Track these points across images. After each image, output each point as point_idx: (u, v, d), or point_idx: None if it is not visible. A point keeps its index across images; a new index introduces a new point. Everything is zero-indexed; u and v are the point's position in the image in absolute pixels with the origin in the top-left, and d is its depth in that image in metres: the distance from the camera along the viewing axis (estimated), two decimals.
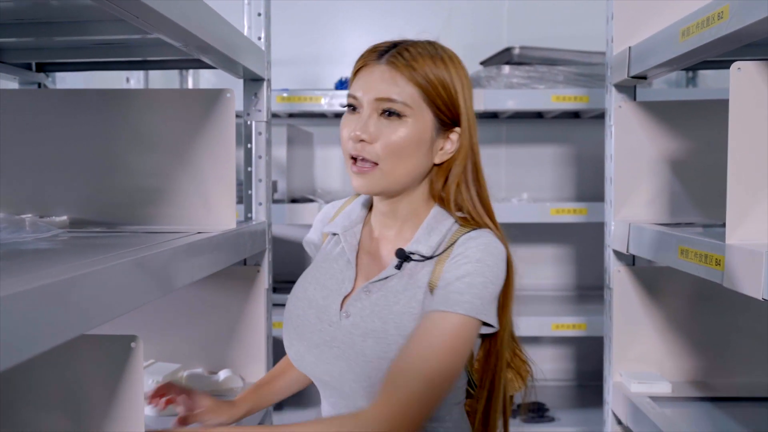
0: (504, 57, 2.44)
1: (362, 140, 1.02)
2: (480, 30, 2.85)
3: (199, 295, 1.60)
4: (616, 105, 1.62)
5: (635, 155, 1.62)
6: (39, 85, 1.64)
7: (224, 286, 1.61)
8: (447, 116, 1.06)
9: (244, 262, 1.62)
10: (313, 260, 1.22)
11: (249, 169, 1.65)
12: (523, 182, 2.85)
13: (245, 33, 1.62)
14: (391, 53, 1.04)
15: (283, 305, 2.51)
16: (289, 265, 2.65)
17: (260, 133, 1.64)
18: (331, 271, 1.13)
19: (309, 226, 1.38)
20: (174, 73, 2.74)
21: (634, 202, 1.64)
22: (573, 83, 2.38)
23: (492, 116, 2.77)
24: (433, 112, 1.05)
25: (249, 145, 1.65)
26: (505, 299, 1.07)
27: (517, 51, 2.39)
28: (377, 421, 0.94)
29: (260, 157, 1.64)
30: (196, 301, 1.60)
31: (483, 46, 2.65)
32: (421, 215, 1.10)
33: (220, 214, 1.39)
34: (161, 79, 2.77)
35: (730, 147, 1.06)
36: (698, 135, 1.60)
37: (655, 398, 1.55)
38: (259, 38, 1.62)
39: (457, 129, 1.07)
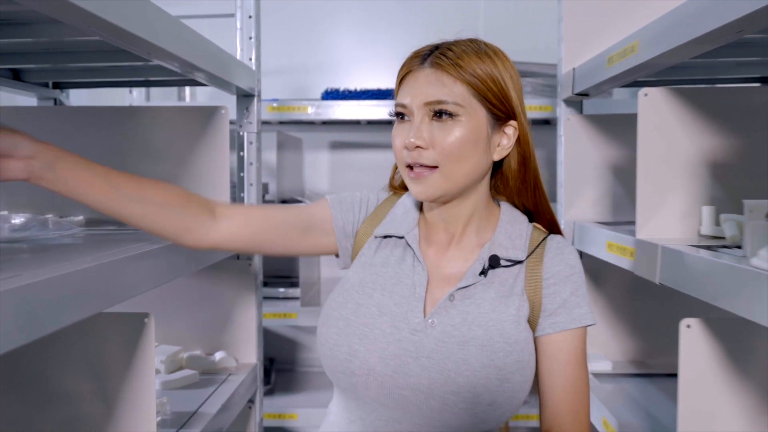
0: None
1: (418, 146, 1.00)
2: None
3: (198, 285, 1.81)
4: (564, 118, 1.84)
5: (582, 162, 1.84)
6: (55, 100, 1.85)
7: (220, 278, 1.82)
8: (501, 110, 1.02)
9: (237, 257, 1.84)
10: (333, 217, 1.13)
11: (241, 174, 1.86)
12: None
13: (238, 55, 1.83)
14: (434, 55, 1.02)
15: (273, 298, 2.74)
16: (277, 262, 2.87)
17: (251, 143, 1.85)
18: (397, 276, 1.06)
19: None
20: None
21: (582, 203, 1.86)
22: (540, 94, 2.59)
23: None
24: (486, 107, 1.01)
25: (241, 153, 1.86)
26: None
27: None
28: None
29: (251, 163, 1.86)
30: (195, 291, 1.81)
31: None
32: (485, 216, 1.09)
33: None
34: (160, 92, 2.98)
35: (638, 159, 1.28)
36: (635, 144, 1.82)
37: (598, 375, 1.77)
38: (250, 59, 1.84)
39: (512, 122, 1.04)
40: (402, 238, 1.09)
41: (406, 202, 1.13)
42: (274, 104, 2.56)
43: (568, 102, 1.85)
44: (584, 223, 1.72)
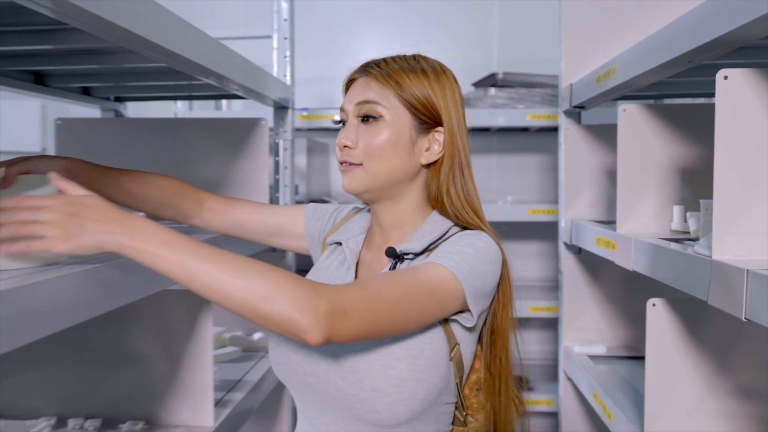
0: (490, 80, 2.88)
1: (346, 146, 1.07)
2: (472, 54, 3.29)
3: None
4: (564, 127, 2.06)
5: (580, 166, 2.05)
6: (116, 112, 2.12)
7: None
8: (426, 116, 1.07)
9: (273, 249, 2.08)
10: (305, 223, 1.26)
11: (277, 176, 2.11)
12: (511, 186, 3.29)
13: (274, 71, 2.08)
14: (369, 65, 1.10)
15: None
16: (307, 258, 3.11)
17: (285, 149, 2.10)
18: (332, 278, 1.14)
19: None
20: None
21: (580, 204, 2.07)
22: (548, 103, 2.81)
23: (484, 130, 3.21)
24: (410, 111, 1.07)
25: (277, 158, 2.10)
26: (504, 297, 1.09)
27: (500, 75, 2.82)
28: (312, 290, 0.87)
29: (286, 167, 2.10)
30: None
31: (475, 68, 3.10)
32: (417, 221, 1.11)
33: None
34: (201, 102, 3.24)
35: (618, 165, 1.50)
36: None
37: (593, 357, 1.98)
38: (285, 75, 2.08)
39: (440, 128, 1.08)
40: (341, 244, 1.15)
41: (364, 213, 1.19)
42: (305, 113, 2.81)
43: (568, 113, 2.07)
44: (580, 221, 1.94)
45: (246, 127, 1.84)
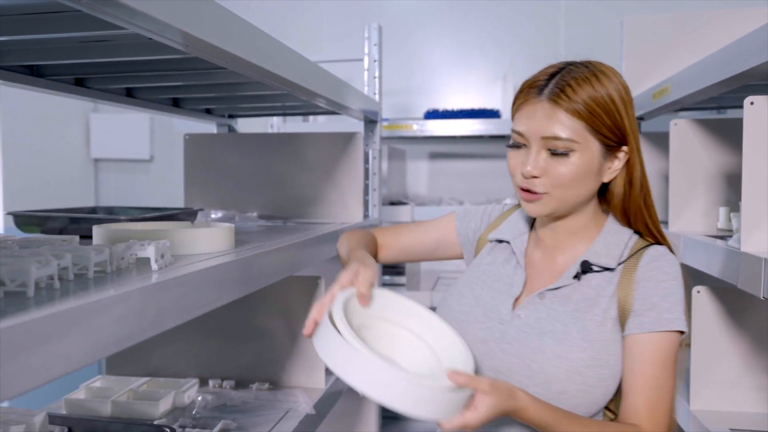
0: None
1: (533, 176, 1.06)
2: (538, 56, 3.51)
3: (337, 267, 2.36)
4: None
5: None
6: (229, 127, 2.47)
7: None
8: (613, 140, 1.05)
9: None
10: (457, 226, 1.29)
11: (366, 182, 2.41)
12: None
13: (365, 90, 2.38)
14: (551, 89, 1.05)
15: (390, 285, 3.32)
16: None
17: (374, 157, 2.40)
18: (498, 275, 1.16)
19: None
20: None
21: None
22: None
23: None
24: (599, 140, 1.04)
25: (366, 165, 2.40)
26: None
27: None
28: None
29: (374, 173, 2.40)
30: (335, 270, 2.37)
31: None
32: (592, 227, 1.13)
33: (352, 212, 2.15)
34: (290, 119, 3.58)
35: (670, 172, 1.72)
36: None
37: None
38: (374, 93, 2.38)
39: (625, 148, 1.07)
40: (509, 242, 1.19)
41: (521, 212, 1.22)
42: (385, 123, 3.11)
43: None
44: None
45: (343, 139, 2.14)
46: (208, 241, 1.18)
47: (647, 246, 1.10)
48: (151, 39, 0.97)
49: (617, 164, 1.08)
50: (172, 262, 1.02)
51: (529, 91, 1.07)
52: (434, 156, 3.66)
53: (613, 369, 1.05)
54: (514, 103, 1.11)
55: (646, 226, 1.12)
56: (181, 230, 1.15)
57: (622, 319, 1.06)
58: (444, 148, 3.64)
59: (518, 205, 1.24)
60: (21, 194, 3.37)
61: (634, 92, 2.23)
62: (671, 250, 1.11)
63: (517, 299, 1.11)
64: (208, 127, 2.57)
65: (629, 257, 1.08)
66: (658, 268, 1.07)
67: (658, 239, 1.12)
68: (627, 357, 1.05)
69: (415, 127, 3.12)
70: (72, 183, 3.89)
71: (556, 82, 1.05)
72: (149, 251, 0.95)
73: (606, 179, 1.09)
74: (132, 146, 3.96)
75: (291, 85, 1.50)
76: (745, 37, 1.26)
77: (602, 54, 2.97)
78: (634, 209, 1.11)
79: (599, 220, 1.13)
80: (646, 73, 2.17)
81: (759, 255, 1.16)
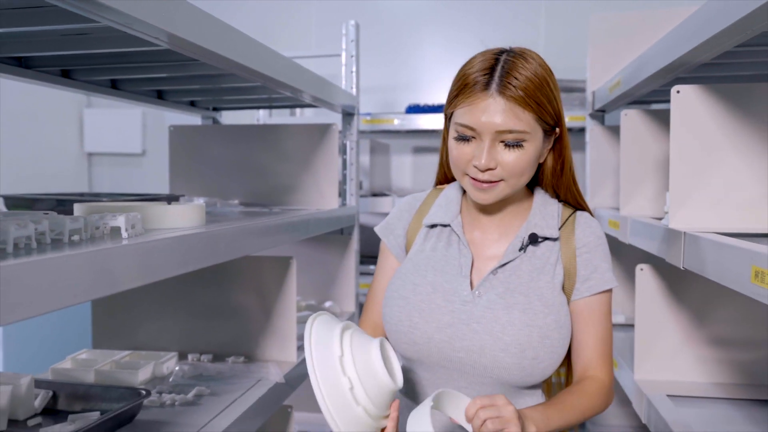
0: None
1: (489, 168, 1.10)
2: None
3: (312, 252, 2.48)
4: (589, 128, 2.39)
5: (602, 161, 2.38)
6: (213, 120, 2.58)
7: (328, 247, 2.48)
8: (551, 125, 1.13)
9: (341, 231, 2.49)
10: (388, 246, 1.31)
11: (344, 172, 2.52)
12: None
13: (343, 84, 2.49)
14: (498, 84, 1.09)
15: (364, 274, 3.42)
16: (369, 244, 3.52)
17: (351, 149, 2.51)
18: (446, 259, 1.20)
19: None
20: None
21: (605, 193, 2.40)
22: (583, 107, 3.12)
23: None
24: (542, 126, 1.12)
25: (344, 156, 2.51)
26: None
27: None
28: (609, 386, 1.17)
29: (351, 164, 2.51)
30: (310, 256, 2.48)
31: None
32: (523, 202, 1.21)
33: (327, 199, 2.26)
34: (278, 110, 3.70)
35: (621, 160, 1.83)
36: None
37: (613, 326, 2.30)
38: (352, 87, 2.50)
39: (557, 130, 1.16)
40: (447, 225, 1.23)
41: (448, 194, 1.27)
42: (368, 117, 3.22)
43: (593, 116, 2.40)
44: (602, 208, 2.27)
45: (320, 131, 2.26)
46: (179, 216, 1.29)
47: (573, 212, 1.21)
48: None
49: (548, 146, 1.17)
50: (142, 233, 1.13)
51: (473, 87, 1.10)
52: (417, 150, 3.77)
53: (569, 329, 1.16)
54: (454, 97, 1.13)
55: (574, 196, 1.22)
56: (153, 206, 1.26)
57: (568, 284, 1.16)
58: (427, 143, 3.75)
59: (437, 190, 1.30)
60: (16, 187, 3.48)
61: (596, 85, 2.35)
62: (592, 214, 1.23)
63: (471, 278, 1.17)
64: (195, 120, 2.69)
65: (562, 225, 1.19)
66: (593, 233, 1.18)
67: (582, 205, 1.23)
68: (579, 318, 1.16)
69: (396, 121, 3.23)
70: (66, 177, 4.00)
71: (500, 76, 1.09)
72: (120, 221, 1.06)
73: (541, 160, 1.17)
74: (125, 141, 4.08)
75: (265, 78, 1.60)
76: (672, 31, 1.37)
77: (578, 49, 3.07)
78: (566, 182, 1.21)
79: (527, 195, 1.23)
80: (607, 68, 2.28)
81: (680, 230, 1.27)
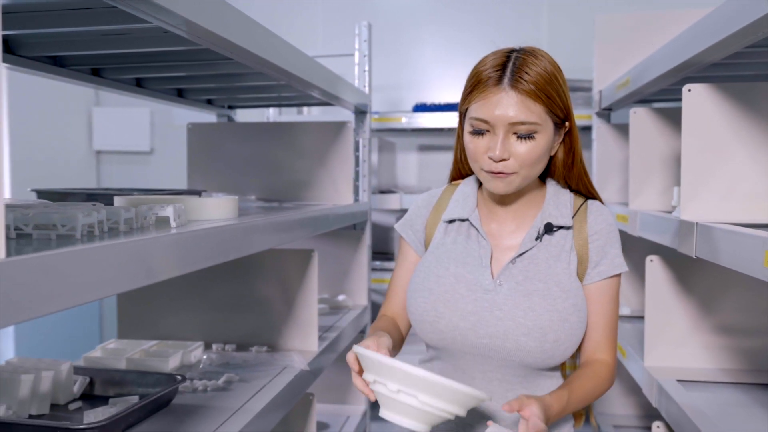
0: None
1: (503, 159, 1.16)
2: None
3: (326, 246, 2.54)
4: (596, 126, 2.46)
5: (609, 157, 2.45)
6: (228, 117, 2.64)
7: (342, 241, 2.55)
8: (561, 118, 1.19)
9: (354, 227, 2.56)
10: (407, 240, 1.35)
11: (357, 168, 2.58)
12: None
13: (356, 83, 2.55)
14: (510, 78, 1.15)
15: (376, 270, 3.46)
16: (379, 241, 3.59)
17: (364, 146, 2.58)
18: (466, 251, 1.25)
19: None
20: None
21: (611, 188, 2.47)
22: (588, 105, 3.19)
23: None
24: (552, 119, 1.17)
25: (357, 153, 2.58)
26: None
27: None
28: (613, 368, 1.23)
29: (364, 161, 2.58)
30: (324, 250, 2.55)
31: None
32: (537, 194, 1.26)
33: (342, 195, 2.32)
34: (287, 108, 3.76)
35: (630, 157, 1.90)
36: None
37: (619, 317, 2.37)
38: (364, 86, 2.56)
39: (567, 123, 1.21)
40: (466, 220, 1.28)
41: (464, 189, 1.32)
42: (376, 116, 3.28)
43: (599, 114, 2.47)
44: (609, 204, 2.34)
45: (334, 129, 2.32)
46: (215, 208, 1.35)
47: (584, 201, 1.27)
48: (164, 32, 1.14)
49: (559, 139, 1.22)
50: (186, 223, 1.19)
51: (486, 83, 1.15)
52: (423, 148, 3.84)
53: (585, 312, 1.21)
54: (468, 94, 1.19)
55: (586, 186, 1.28)
56: (192, 198, 1.32)
57: (581, 269, 1.22)
58: (432, 141, 3.81)
59: (453, 186, 1.35)
60: (27, 184, 3.53)
61: (603, 84, 2.42)
62: (603, 203, 1.29)
63: (492, 268, 1.22)
64: (208, 118, 2.74)
65: (575, 213, 1.25)
66: (604, 221, 1.24)
67: (593, 194, 1.29)
68: (589, 301, 1.23)
69: (403, 119, 3.29)
70: (75, 174, 4.05)
71: (512, 72, 1.14)
72: (168, 211, 1.13)
73: (553, 152, 1.23)
74: (133, 139, 4.13)
75: (288, 75, 1.67)
76: (683, 33, 1.44)
77: (581, 49, 3.14)
78: (577, 173, 1.27)
79: (540, 186, 1.28)
80: (614, 68, 2.35)
81: (692, 221, 1.34)
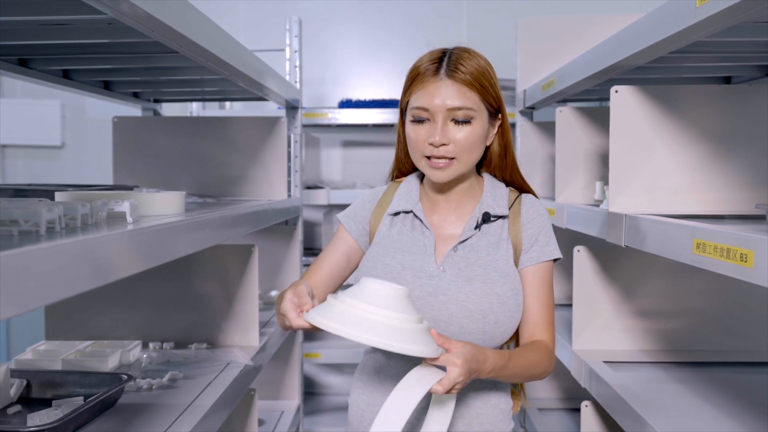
0: None
1: (443, 144, 1.24)
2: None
3: (260, 242, 2.52)
4: (520, 124, 2.58)
5: (532, 154, 2.57)
6: (154, 111, 2.57)
7: (275, 237, 2.54)
8: (493, 107, 1.28)
9: (286, 222, 2.56)
10: (347, 230, 1.40)
11: (289, 164, 2.58)
12: None
13: (287, 78, 2.55)
14: (446, 69, 1.25)
15: (307, 265, 3.44)
16: (307, 236, 3.58)
17: (296, 141, 2.58)
18: (411, 241, 1.33)
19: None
20: None
21: (535, 183, 2.58)
22: (509, 103, 3.32)
23: None
24: (486, 108, 1.27)
25: (289, 149, 2.58)
26: None
27: None
28: (552, 351, 1.30)
29: (296, 156, 2.58)
30: (259, 245, 2.53)
31: None
32: (475, 186, 1.35)
33: (277, 190, 2.32)
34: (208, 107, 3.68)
35: (556, 153, 2.01)
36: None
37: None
38: (296, 81, 2.56)
39: (500, 115, 1.31)
40: (410, 212, 1.36)
41: (407, 185, 1.40)
42: (302, 111, 3.28)
43: (522, 112, 2.59)
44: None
45: (268, 123, 2.31)
46: (164, 203, 1.34)
47: (519, 195, 1.37)
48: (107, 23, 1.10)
49: (493, 130, 1.32)
50: (138, 219, 1.17)
51: (424, 74, 1.26)
52: (347, 144, 3.87)
53: (521, 295, 1.30)
54: (408, 87, 1.29)
55: (518, 180, 1.38)
56: (141, 193, 1.30)
57: (516, 256, 1.32)
58: (357, 137, 3.85)
59: (396, 182, 1.43)
60: None
61: (527, 84, 2.53)
62: (536, 196, 1.39)
63: (435, 256, 1.30)
64: (129, 111, 2.66)
65: (511, 206, 1.34)
66: (536, 212, 1.35)
67: (526, 188, 1.39)
68: (524, 285, 1.31)
69: (330, 115, 3.31)
70: None
71: (447, 63, 1.25)
72: (125, 206, 1.11)
73: (488, 143, 1.32)
74: (42, 132, 3.92)
75: (222, 64, 1.63)
76: (611, 38, 1.55)
77: (499, 49, 3.26)
78: (510, 164, 1.36)
79: (477, 179, 1.37)
80: (537, 69, 2.47)
81: (620, 213, 1.45)
